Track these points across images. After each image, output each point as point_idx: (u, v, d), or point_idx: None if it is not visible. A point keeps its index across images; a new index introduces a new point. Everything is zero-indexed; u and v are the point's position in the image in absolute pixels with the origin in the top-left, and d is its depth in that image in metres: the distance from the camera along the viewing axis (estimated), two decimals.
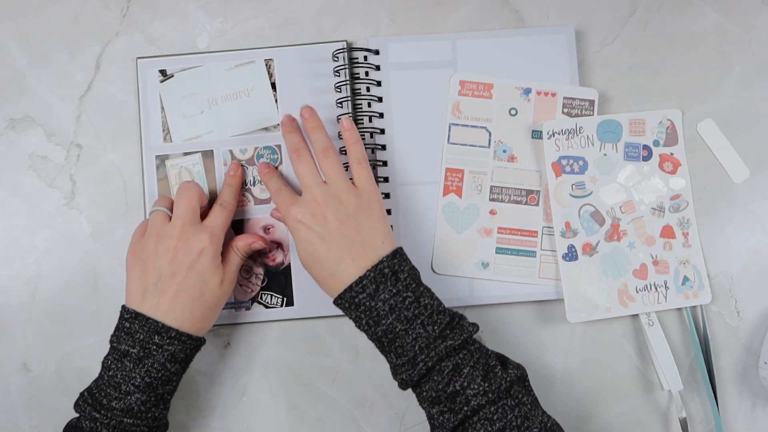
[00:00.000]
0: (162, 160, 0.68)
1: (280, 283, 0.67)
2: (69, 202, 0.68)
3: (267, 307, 0.66)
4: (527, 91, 0.68)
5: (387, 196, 0.67)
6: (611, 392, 0.67)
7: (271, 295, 0.67)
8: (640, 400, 0.67)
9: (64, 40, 0.70)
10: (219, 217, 0.62)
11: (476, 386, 0.52)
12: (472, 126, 0.68)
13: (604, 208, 0.65)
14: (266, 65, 0.68)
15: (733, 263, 0.68)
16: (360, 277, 0.55)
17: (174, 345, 0.57)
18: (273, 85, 0.68)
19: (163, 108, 0.68)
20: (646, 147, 0.66)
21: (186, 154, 0.68)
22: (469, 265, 0.67)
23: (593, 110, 0.67)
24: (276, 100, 0.68)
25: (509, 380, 0.53)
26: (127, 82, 0.69)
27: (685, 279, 0.66)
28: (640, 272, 0.65)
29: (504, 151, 0.68)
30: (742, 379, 0.67)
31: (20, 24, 0.70)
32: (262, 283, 0.67)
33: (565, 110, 0.67)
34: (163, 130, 0.68)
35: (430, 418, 0.55)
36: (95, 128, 0.69)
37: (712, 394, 0.65)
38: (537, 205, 0.67)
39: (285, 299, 0.66)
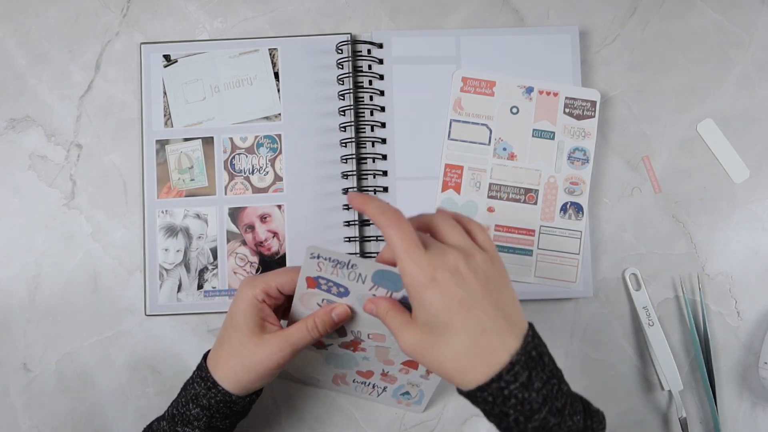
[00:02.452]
0: (162, 144, 0.68)
1: None
2: (69, 202, 0.68)
3: None
4: (529, 90, 0.68)
5: (385, 189, 0.67)
6: (611, 392, 0.67)
7: None
8: (640, 400, 0.67)
9: (64, 40, 0.70)
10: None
11: None
12: (473, 123, 0.68)
13: (351, 328, 0.55)
14: (270, 55, 0.69)
15: (733, 263, 0.69)
16: (511, 363, 0.43)
17: (199, 385, 0.54)
18: (276, 75, 0.68)
19: (165, 93, 0.68)
20: None
21: (186, 139, 0.68)
22: None
23: (595, 111, 0.67)
24: (278, 90, 0.68)
25: None
26: (128, 82, 0.69)
27: (406, 393, 0.63)
28: (364, 374, 0.61)
29: (504, 149, 0.68)
30: (742, 379, 0.67)
31: (20, 24, 0.70)
32: (257, 271, 0.67)
33: (567, 110, 0.68)
34: (165, 115, 0.68)
35: None
36: (95, 128, 0.69)
37: (712, 394, 0.65)
38: (535, 204, 0.67)
39: None
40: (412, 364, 0.59)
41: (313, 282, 0.52)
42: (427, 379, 0.60)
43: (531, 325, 0.46)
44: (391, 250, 0.45)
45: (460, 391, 0.45)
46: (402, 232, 0.44)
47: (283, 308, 0.56)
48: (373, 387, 0.63)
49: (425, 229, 0.48)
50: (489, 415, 0.45)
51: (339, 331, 0.56)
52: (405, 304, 0.49)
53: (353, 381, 0.62)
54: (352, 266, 0.50)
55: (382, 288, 0.50)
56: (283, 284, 0.53)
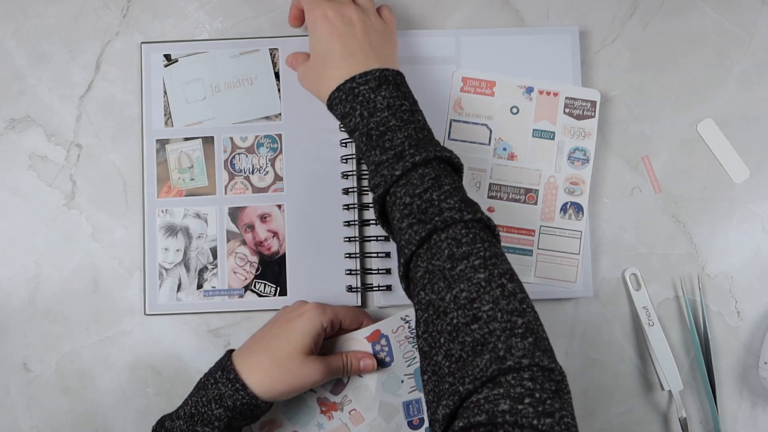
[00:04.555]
0: (162, 144, 0.68)
1: (274, 272, 0.67)
2: (69, 202, 0.68)
3: (260, 295, 0.66)
4: (529, 90, 0.68)
5: None
6: (611, 392, 0.67)
7: (265, 284, 0.67)
8: (640, 400, 0.67)
9: (64, 40, 0.70)
10: (341, 314, 0.61)
11: (453, 202, 0.50)
12: (473, 123, 0.68)
13: (347, 392, 0.63)
14: (271, 54, 0.69)
15: (733, 263, 0.69)
16: (365, 71, 0.55)
17: (225, 386, 0.55)
18: (276, 75, 0.68)
19: (165, 92, 0.68)
20: (422, 420, 0.63)
21: (186, 139, 0.68)
22: None
23: (595, 111, 0.67)
24: (279, 90, 0.68)
25: (487, 218, 0.51)
26: (127, 81, 0.69)
27: None
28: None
29: (504, 149, 0.68)
30: (742, 379, 0.67)
31: (20, 24, 0.70)
32: (257, 271, 0.67)
33: (567, 110, 0.68)
34: (165, 115, 0.68)
35: (399, 233, 0.52)
36: (95, 128, 0.69)
37: (712, 394, 0.65)
38: (535, 204, 0.67)
39: (278, 288, 0.66)
40: None
41: (377, 336, 0.61)
42: None
43: (400, 72, 0.58)
44: None
45: (329, 106, 0.58)
46: None
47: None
48: None
49: None
50: (344, 117, 0.57)
51: (336, 387, 0.62)
52: (418, 407, 0.62)
53: None
54: (417, 350, 0.59)
55: (414, 380, 0.62)
56: (344, 318, 0.61)
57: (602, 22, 0.70)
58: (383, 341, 0.62)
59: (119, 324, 0.67)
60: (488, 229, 0.51)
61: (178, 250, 0.67)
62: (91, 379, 0.67)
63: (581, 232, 0.67)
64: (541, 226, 0.67)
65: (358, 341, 0.62)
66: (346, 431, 0.62)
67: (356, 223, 0.66)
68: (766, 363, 0.65)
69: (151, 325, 0.67)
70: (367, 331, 0.62)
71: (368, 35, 0.58)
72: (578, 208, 0.67)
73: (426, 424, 0.60)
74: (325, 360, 0.58)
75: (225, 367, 0.56)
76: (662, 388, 0.67)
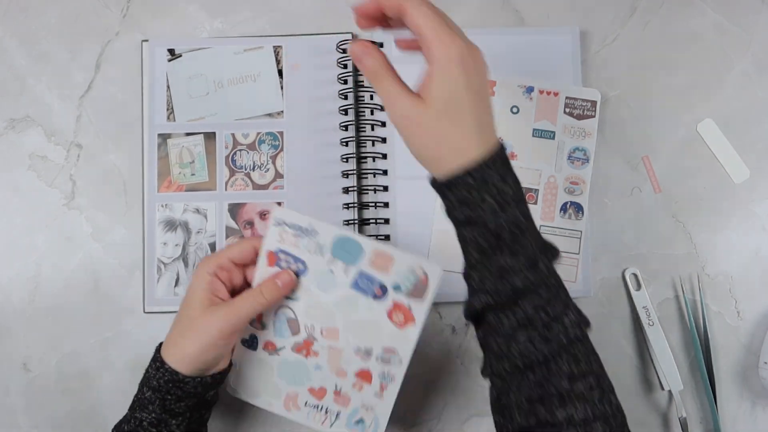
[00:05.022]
0: (164, 138, 0.68)
1: None
2: (69, 202, 0.68)
3: None
4: (529, 90, 0.68)
5: (386, 188, 0.68)
6: None
7: None
8: (640, 400, 0.67)
9: (64, 40, 0.70)
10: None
11: (573, 315, 0.46)
12: None
13: (304, 321, 0.56)
14: (275, 52, 0.69)
15: (733, 263, 0.69)
16: (493, 150, 0.45)
17: (151, 367, 0.54)
18: (280, 72, 0.69)
19: (169, 87, 0.68)
20: (383, 286, 0.54)
21: (188, 134, 0.68)
22: None
23: (595, 111, 0.67)
24: (281, 87, 0.68)
25: (587, 319, 0.47)
26: (128, 81, 0.69)
27: (360, 421, 0.58)
28: (316, 392, 0.58)
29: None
30: (742, 379, 0.68)
31: (20, 24, 0.70)
32: None
33: (567, 110, 0.68)
34: (168, 109, 0.68)
35: (506, 342, 0.45)
36: (95, 128, 0.69)
37: (712, 394, 0.65)
38: (535, 203, 0.67)
39: None
40: (364, 377, 0.57)
41: (274, 258, 0.55)
42: (381, 398, 0.57)
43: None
44: (419, 22, 0.44)
45: (436, 182, 0.46)
46: (434, 9, 0.44)
47: (239, 289, 0.56)
48: (326, 413, 0.58)
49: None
50: (462, 203, 0.45)
51: (292, 328, 0.57)
52: (367, 278, 0.55)
53: (305, 404, 0.58)
54: (313, 232, 0.54)
55: (339, 261, 0.54)
56: (233, 255, 0.55)
57: (602, 22, 0.70)
58: (281, 255, 0.55)
59: (119, 324, 0.67)
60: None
61: (177, 245, 0.67)
62: (91, 379, 0.67)
63: (581, 231, 0.67)
64: (541, 225, 0.67)
65: (263, 273, 0.56)
66: (336, 352, 0.57)
67: (355, 222, 0.66)
68: (766, 363, 0.65)
69: (152, 325, 0.67)
70: (262, 260, 0.55)
71: (486, 88, 0.46)
72: (578, 207, 0.67)
73: (390, 289, 0.54)
74: (228, 302, 0.53)
75: (156, 349, 0.55)
76: (662, 388, 0.67)
